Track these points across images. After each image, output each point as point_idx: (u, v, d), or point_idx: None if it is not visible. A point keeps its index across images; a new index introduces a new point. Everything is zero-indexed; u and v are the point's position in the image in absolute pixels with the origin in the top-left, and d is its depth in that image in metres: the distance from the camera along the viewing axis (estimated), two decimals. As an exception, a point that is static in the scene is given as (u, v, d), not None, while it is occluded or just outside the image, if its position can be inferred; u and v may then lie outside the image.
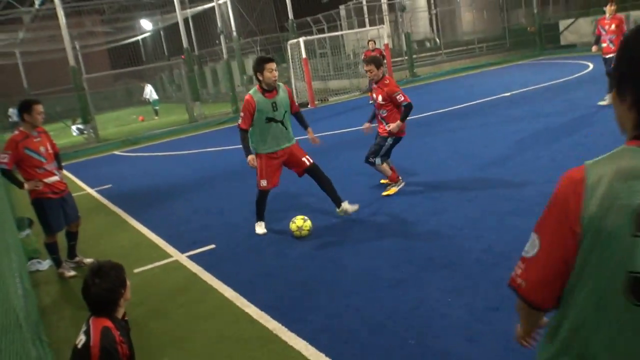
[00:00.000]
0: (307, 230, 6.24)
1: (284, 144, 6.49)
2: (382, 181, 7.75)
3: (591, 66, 18.86)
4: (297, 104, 6.91)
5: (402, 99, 7.05)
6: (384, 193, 7.36)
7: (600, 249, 1.45)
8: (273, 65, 6.24)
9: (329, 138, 11.94)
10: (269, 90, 6.33)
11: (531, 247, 1.61)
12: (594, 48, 11.85)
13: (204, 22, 33.17)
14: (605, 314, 1.48)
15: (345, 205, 6.64)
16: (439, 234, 5.78)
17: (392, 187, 7.42)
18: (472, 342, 3.72)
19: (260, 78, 6.30)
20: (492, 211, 6.16)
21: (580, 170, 1.51)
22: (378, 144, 7.28)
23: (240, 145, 6.56)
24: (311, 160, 6.59)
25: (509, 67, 23.50)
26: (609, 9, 11.27)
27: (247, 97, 6.38)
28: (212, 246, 6.51)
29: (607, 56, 11.23)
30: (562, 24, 27.58)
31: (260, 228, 6.71)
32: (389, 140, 7.24)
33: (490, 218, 5.96)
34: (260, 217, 6.77)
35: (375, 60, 7.19)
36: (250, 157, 6.40)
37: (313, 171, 6.58)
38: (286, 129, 6.51)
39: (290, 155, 6.53)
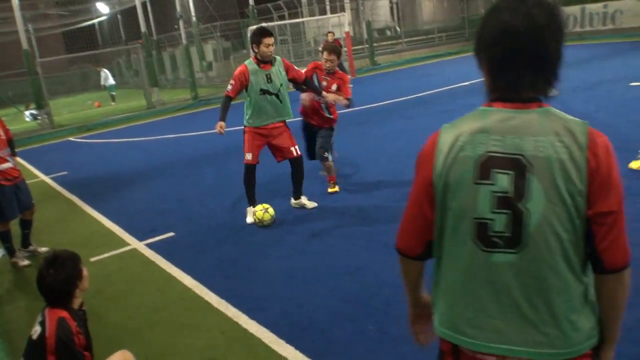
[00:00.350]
0: (269, 220, 6.22)
1: (278, 118, 6.45)
2: (321, 172, 7.56)
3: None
4: (301, 71, 6.79)
5: (350, 91, 7.16)
6: (330, 190, 7.11)
7: (450, 199, 1.63)
8: (270, 40, 6.15)
9: (289, 125, 11.86)
10: (263, 62, 6.26)
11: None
12: None
13: (163, 6, 32.59)
14: (458, 258, 1.67)
15: (304, 200, 6.64)
16: (397, 220, 5.81)
17: (334, 185, 7.13)
18: (431, 328, 3.77)
19: (256, 50, 6.23)
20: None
21: (437, 132, 1.71)
22: (325, 137, 7.01)
23: (220, 111, 6.50)
24: (299, 152, 6.53)
25: (468, 57, 23.74)
26: None
27: (241, 66, 6.35)
28: (171, 234, 6.44)
29: None
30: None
31: (249, 216, 6.46)
32: (333, 131, 7.11)
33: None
34: (250, 201, 6.54)
35: (339, 51, 7.16)
36: (221, 124, 6.33)
37: (297, 163, 6.54)
38: (281, 102, 6.43)
39: (280, 139, 6.46)
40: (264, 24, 19.61)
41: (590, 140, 1.53)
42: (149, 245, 6.16)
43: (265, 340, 3.89)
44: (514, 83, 1.61)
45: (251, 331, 4.05)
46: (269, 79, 6.27)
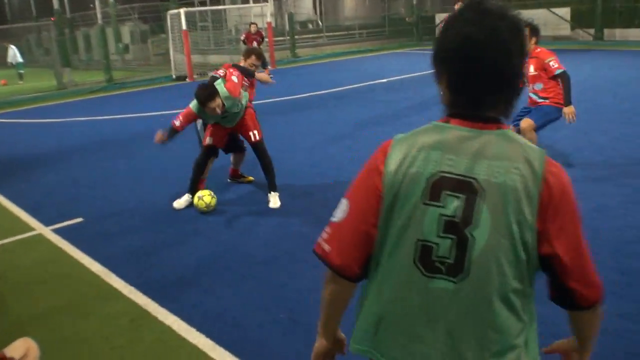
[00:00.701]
0: (214, 207, 6.15)
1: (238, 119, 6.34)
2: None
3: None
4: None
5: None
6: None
7: (396, 216, 1.52)
8: (214, 104, 5.87)
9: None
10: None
11: (340, 212, 1.64)
12: None
13: (79, -17, 31.29)
14: (395, 278, 1.56)
15: (272, 195, 6.38)
16: (311, 212, 5.91)
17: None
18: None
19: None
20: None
21: (389, 142, 1.60)
22: None
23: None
24: (257, 137, 6.37)
25: (387, 55, 24.25)
26: (457, 7, 12.17)
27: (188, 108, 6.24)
28: (80, 219, 6.25)
29: None
30: (438, 17, 28.82)
31: (180, 201, 6.32)
32: None
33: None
34: (191, 188, 6.33)
35: (264, 58, 7.50)
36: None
37: (255, 148, 6.41)
38: (236, 112, 6.25)
39: (240, 125, 6.36)
40: (180, 10, 19.28)
41: (547, 170, 1.45)
42: (56, 231, 5.95)
43: (176, 329, 3.87)
44: (475, 100, 1.51)
45: (161, 319, 4.01)
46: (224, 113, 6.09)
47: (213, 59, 23.95)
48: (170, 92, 16.77)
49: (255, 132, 6.38)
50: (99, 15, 20.67)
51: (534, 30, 6.19)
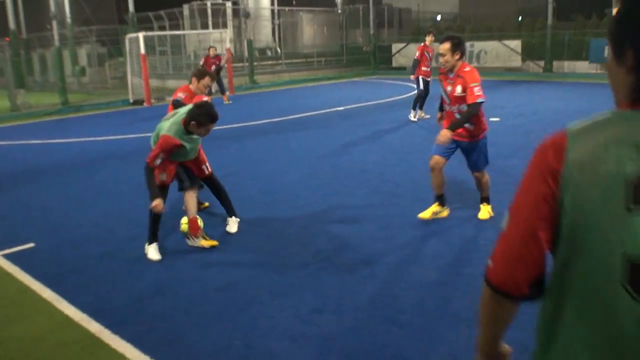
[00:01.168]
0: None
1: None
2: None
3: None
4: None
5: None
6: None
7: (583, 227, 1.26)
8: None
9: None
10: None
11: (504, 222, 1.43)
12: (412, 77, 13.29)
13: (36, 4, 30.87)
14: (594, 307, 1.27)
15: (232, 220, 6.26)
16: (270, 239, 5.94)
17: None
18: (296, 342, 3.90)
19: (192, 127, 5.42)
20: (322, 219, 6.46)
21: (562, 135, 1.35)
22: None
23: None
24: (210, 170, 6.21)
25: (344, 83, 24.58)
26: (430, 39, 13.09)
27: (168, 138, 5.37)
28: (31, 245, 6.12)
29: (429, 79, 13.01)
30: (395, 47, 29.43)
31: (152, 252, 5.62)
32: None
33: (319, 225, 6.25)
34: (151, 237, 5.67)
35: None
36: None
37: (210, 181, 6.26)
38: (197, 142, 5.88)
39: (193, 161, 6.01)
40: (138, 34, 19.22)
41: None
42: (6, 256, 5.81)
43: (129, 356, 3.82)
44: None
45: (114, 346, 3.96)
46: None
47: (171, 83, 23.91)
48: (127, 116, 16.63)
49: (207, 164, 6.21)
50: (55, 37, 20.44)
51: (457, 45, 5.80)
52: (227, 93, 18.78)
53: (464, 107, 5.78)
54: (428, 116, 13.19)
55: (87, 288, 4.98)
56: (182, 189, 5.97)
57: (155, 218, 5.64)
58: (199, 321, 4.27)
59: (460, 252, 5.38)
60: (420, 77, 13.06)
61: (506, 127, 11.76)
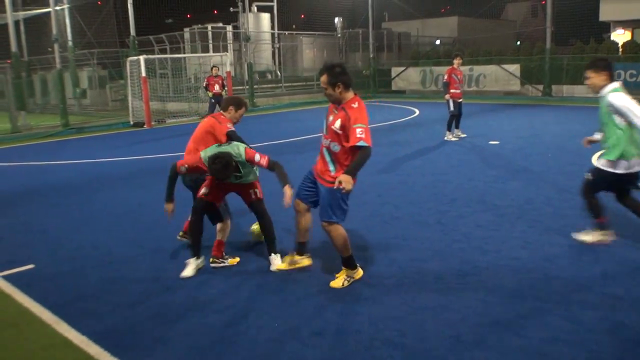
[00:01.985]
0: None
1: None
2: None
3: (417, 112, 20.45)
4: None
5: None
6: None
7: None
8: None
9: (161, 161, 11.75)
10: None
11: None
12: (447, 96, 13.60)
13: (38, 27, 31.09)
14: None
15: (272, 258, 5.76)
16: (266, 260, 5.92)
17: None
18: (296, 366, 3.87)
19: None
20: (321, 241, 6.44)
21: None
22: None
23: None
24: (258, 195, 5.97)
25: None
26: (457, 61, 13.50)
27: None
28: (31, 266, 6.10)
29: (459, 100, 13.56)
30: (395, 70, 29.63)
31: (188, 269, 5.58)
32: None
33: (319, 247, 6.23)
34: (193, 250, 5.67)
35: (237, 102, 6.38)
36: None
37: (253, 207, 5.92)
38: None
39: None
40: (139, 57, 19.36)
41: None
42: (6, 278, 5.79)
43: (128, 378, 3.80)
44: None
45: (113, 369, 3.93)
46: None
47: (172, 106, 24.02)
48: (127, 138, 16.67)
49: (257, 190, 5.94)
50: (57, 59, 20.57)
51: (337, 76, 5.02)
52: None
53: (336, 148, 5.05)
54: (464, 135, 13.84)
55: (87, 310, 4.95)
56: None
57: (194, 236, 5.71)
58: (199, 345, 4.24)
59: (460, 274, 5.36)
60: (450, 99, 13.49)
61: (505, 151, 11.81)
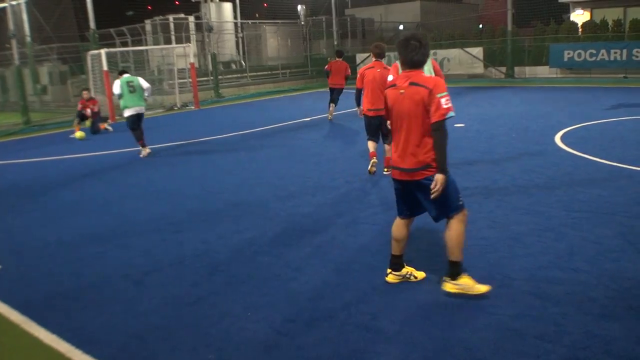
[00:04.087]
0: None
1: None
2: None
3: (383, 97, 20.47)
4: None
5: None
6: None
7: None
8: None
9: (127, 155, 11.62)
10: None
11: None
12: None
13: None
14: None
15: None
16: (240, 251, 5.91)
17: None
18: (270, 353, 3.88)
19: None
20: (292, 228, 6.46)
21: None
22: None
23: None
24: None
25: (310, 94, 24.67)
26: None
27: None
28: (-3, 267, 6.00)
29: None
30: (359, 57, 29.63)
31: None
32: None
33: (289, 236, 6.24)
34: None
35: None
36: None
37: None
38: None
39: None
40: (100, 51, 19.03)
41: None
42: (-30, 279, 5.69)
43: (101, 375, 3.77)
44: None
45: (85, 366, 3.90)
46: None
47: (135, 99, 23.60)
48: (91, 134, 16.38)
49: None
50: (15, 56, 20.08)
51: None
52: (109, 121, 18.05)
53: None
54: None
55: (56, 308, 4.89)
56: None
57: None
58: (172, 337, 4.22)
59: (429, 257, 5.42)
60: None
61: (470, 133, 11.94)
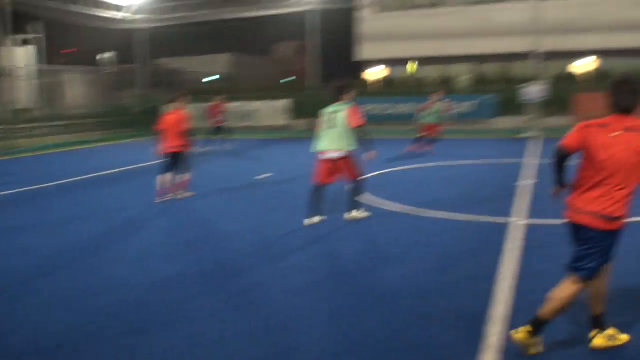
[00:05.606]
0: None
1: None
2: None
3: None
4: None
5: None
6: None
7: None
8: None
9: None
10: None
11: None
12: None
13: None
14: None
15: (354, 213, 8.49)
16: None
17: None
18: None
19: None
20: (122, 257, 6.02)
21: None
22: None
23: None
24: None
25: (114, 145, 23.77)
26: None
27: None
28: None
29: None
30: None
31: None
32: None
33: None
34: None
35: None
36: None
37: None
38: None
39: None
40: None
41: None
42: None
43: None
44: None
45: None
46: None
47: None
48: None
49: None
50: None
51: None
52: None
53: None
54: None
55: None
56: None
57: None
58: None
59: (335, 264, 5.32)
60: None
61: (278, 181, 12.21)
